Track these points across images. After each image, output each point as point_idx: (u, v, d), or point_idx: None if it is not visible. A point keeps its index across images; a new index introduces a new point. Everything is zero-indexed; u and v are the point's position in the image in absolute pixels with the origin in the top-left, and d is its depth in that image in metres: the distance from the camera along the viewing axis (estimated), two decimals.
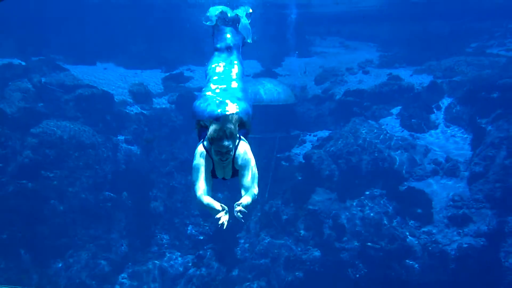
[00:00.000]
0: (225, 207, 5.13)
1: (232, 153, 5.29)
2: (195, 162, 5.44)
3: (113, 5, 19.26)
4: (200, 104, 5.94)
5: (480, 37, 20.62)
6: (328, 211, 13.51)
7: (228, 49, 7.03)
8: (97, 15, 18.87)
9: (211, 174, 5.53)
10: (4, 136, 13.68)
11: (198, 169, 5.39)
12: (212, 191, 5.44)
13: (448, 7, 20.16)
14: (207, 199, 5.28)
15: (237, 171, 5.55)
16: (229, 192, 13.97)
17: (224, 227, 5.04)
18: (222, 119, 5.40)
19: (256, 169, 5.56)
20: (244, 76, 6.61)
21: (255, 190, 5.46)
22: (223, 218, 5.04)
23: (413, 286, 12.54)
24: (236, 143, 5.39)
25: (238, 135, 5.41)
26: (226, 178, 5.68)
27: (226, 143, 5.19)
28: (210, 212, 5.26)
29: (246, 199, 5.27)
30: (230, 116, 5.48)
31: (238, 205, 5.09)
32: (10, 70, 15.37)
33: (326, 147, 14.60)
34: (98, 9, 19.03)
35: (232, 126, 5.28)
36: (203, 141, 5.50)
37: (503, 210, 12.80)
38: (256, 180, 5.51)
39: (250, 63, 19.82)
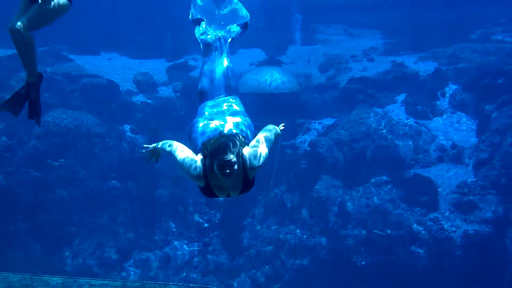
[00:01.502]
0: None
1: (235, 166, 4.52)
2: (190, 168, 4.74)
3: None
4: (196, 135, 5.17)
5: (485, 24, 20.55)
6: (334, 198, 13.53)
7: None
8: (101, 5, 18.85)
9: (208, 193, 4.84)
10: (11, 126, 13.75)
11: (187, 173, 4.76)
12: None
13: None
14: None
15: (249, 184, 4.85)
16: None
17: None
18: (221, 135, 4.74)
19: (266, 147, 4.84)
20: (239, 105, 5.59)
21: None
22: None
23: (418, 273, 12.58)
24: (240, 153, 4.63)
25: (241, 148, 4.66)
26: (232, 195, 4.95)
27: (228, 157, 4.48)
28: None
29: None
30: (229, 134, 4.81)
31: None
32: (15, 61, 15.36)
33: (331, 134, 14.61)
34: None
35: (233, 142, 4.59)
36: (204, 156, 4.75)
37: (509, 196, 12.80)
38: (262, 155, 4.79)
39: (254, 52, 19.81)
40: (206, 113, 5.37)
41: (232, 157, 4.48)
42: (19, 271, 9.18)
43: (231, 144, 4.52)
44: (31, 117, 5.38)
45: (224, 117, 5.18)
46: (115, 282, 8.73)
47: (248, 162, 4.68)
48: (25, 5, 5.00)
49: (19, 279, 8.19)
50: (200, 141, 4.91)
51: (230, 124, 5.09)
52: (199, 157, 4.74)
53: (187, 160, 4.76)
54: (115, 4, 19.31)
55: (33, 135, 13.78)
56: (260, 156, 4.75)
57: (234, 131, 4.94)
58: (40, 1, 4.86)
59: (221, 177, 4.53)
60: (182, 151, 4.85)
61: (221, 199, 5.24)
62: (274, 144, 5.01)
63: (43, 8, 4.88)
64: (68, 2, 5.11)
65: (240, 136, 4.78)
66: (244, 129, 5.10)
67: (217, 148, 4.51)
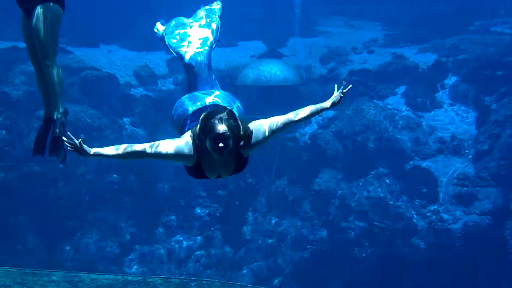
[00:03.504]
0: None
1: (230, 142, 4.12)
2: (179, 145, 4.30)
3: None
4: (177, 108, 4.89)
5: (484, 15, 20.49)
6: (334, 191, 13.57)
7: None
8: None
9: (197, 174, 4.46)
10: (10, 120, 13.73)
11: (175, 153, 4.28)
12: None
13: None
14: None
15: (242, 163, 4.48)
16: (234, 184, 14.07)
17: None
18: (213, 109, 4.26)
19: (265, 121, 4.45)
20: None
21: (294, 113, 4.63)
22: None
23: (419, 265, 12.64)
24: (236, 129, 4.18)
25: (237, 122, 4.21)
26: (222, 176, 4.57)
27: (223, 129, 4.08)
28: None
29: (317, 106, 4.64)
30: (222, 107, 4.38)
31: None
32: (14, 54, 15.34)
33: (332, 127, 14.62)
34: None
35: (228, 114, 4.17)
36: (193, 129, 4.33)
37: (508, 188, 12.85)
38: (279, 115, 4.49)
39: (254, 44, 19.76)
40: (194, 95, 4.96)
41: (226, 130, 4.08)
42: (19, 266, 9.20)
43: (225, 116, 4.12)
44: (50, 154, 5.31)
45: (213, 94, 4.88)
46: (116, 276, 8.73)
47: (244, 138, 4.28)
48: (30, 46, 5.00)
49: (20, 273, 8.20)
50: (188, 120, 4.62)
51: (221, 99, 4.80)
52: (186, 137, 4.35)
53: (171, 147, 4.28)
54: None
55: (33, 129, 13.75)
56: (260, 134, 4.37)
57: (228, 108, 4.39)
58: (33, 24, 4.84)
59: (214, 153, 4.14)
60: (158, 145, 4.28)
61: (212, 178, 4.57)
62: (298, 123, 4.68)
63: (39, 29, 4.85)
64: (60, 8, 5.09)
65: (235, 110, 4.47)
66: (239, 106, 4.87)
67: (210, 120, 4.10)
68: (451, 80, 15.96)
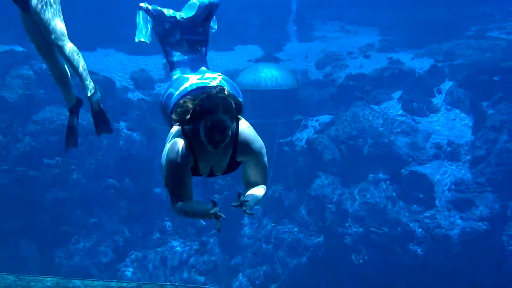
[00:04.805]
0: (215, 201, 3.58)
1: (228, 132, 3.58)
2: (169, 154, 3.74)
3: None
4: (167, 92, 4.37)
5: (480, 21, 20.51)
6: (331, 196, 13.53)
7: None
8: (98, 0, 18.75)
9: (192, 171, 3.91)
10: (5, 123, 13.68)
11: (176, 166, 3.74)
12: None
13: None
14: (194, 203, 3.78)
15: (236, 165, 3.97)
16: (232, 178, 13.99)
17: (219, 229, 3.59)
18: (209, 90, 3.69)
19: (266, 157, 3.96)
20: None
21: (263, 188, 3.95)
22: (219, 215, 3.51)
23: (416, 271, 12.60)
24: (234, 124, 3.70)
25: (235, 112, 3.67)
26: (215, 174, 4.03)
27: (222, 117, 3.51)
28: (199, 217, 3.81)
29: (253, 196, 3.83)
30: (219, 87, 3.75)
31: (243, 201, 3.57)
32: (11, 57, 15.29)
33: (328, 131, 14.60)
34: None
35: (227, 95, 3.63)
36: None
37: (506, 193, 12.83)
38: (266, 175, 3.99)
39: (251, 48, 19.75)
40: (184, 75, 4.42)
41: (226, 118, 3.52)
42: (13, 271, 9.13)
43: (226, 101, 3.56)
44: (67, 146, 5.23)
45: (208, 75, 4.26)
46: (111, 282, 8.66)
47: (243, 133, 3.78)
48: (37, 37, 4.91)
49: (14, 279, 8.12)
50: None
51: (218, 80, 4.16)
52: (174, 128, 3.85)
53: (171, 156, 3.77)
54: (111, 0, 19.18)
55: (28, 133, 13.70)
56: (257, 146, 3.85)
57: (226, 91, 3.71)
58: (33, 9, 4.76)
59: (208, 145, 3.61)
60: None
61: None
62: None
63: (39, 12, 4.78)
64: None
65: (235, 98, 3.78)
66: (238, 91, 4.26)
67: (207, 104, 3.53)
68: (447, 85, 15.96)
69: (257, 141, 3.87)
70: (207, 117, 3.51)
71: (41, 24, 4.75)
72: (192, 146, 3.75)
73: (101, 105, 4.75)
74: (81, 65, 4.68)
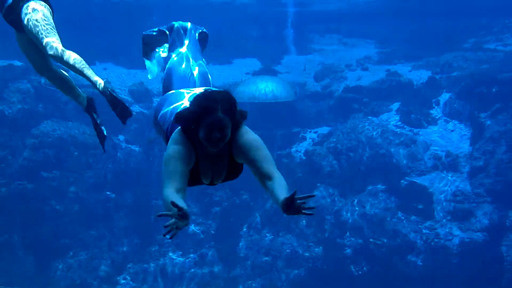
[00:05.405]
0: (187, 210, 3.28)
1: (228, 132, 3.60)
2: (169, 151, 3.69)
3: (112, 5, 19.25)
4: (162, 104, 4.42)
5: (478, 33, 20.62)
6: (330, 208, 13.52)
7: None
8: (96, 15, 18.85)
9: (193, 178, 3.80)
10: (4, 137, 13.70)
11: (173, 162, 3.65)
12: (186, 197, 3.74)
13: (445, 3, 20.15)
14: (174, 197, 3.47)
15: (235, 169, 3.89)
16: (231, 190, 14.01)
17: (170, 237, 3.23)
18: (207, 91, 3.72)
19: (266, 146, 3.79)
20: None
21: (281, 176, 3.65)
22: (173, 224, 3.23)
23: (415, 282, 12.56)
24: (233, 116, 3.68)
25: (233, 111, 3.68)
26: (215, 182, 3.97)
27: (221, 115, 3.53)
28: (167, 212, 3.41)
29: (285, 188, 3.53)
30: (220, 90, 3.80)
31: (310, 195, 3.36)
32: (9, 72, 15.34)
33: (327, 143, 14.61)
34: (98, 9, 19.03)
35: (226, 95, 3.66)
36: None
37: (504, 204, 12.86)
38: (274, 163, 3.73)
39: (249, 61, 19.83)
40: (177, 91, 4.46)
41: (224, 116, 3.53)
42: (11, 284, 9.10)
43: (224, 100, 3.59)
44: (102, 145, 5.42)
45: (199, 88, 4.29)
46: None
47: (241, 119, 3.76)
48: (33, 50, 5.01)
49: None
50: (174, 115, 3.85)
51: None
52: (175, 138, 3.77)
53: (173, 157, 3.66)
54: (110, 14, 19.30)
55: (27, 147, 13.73)
56: (255, 144, 3.73)
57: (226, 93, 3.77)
58: (25, 23, 4.83)
59: (208, 145, 3.59)
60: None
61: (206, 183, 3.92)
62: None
63: (31, 25, 4.84)
64: (48, 5, 5.06)
65: (234, 99, 3.74)
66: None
67: (205, 102, 3.55)
68: (445, 96, 16.00)
69: (251, 133, 3.80)
70: (206, 116, 3.52)
71: (37, 41, 4.82)
72: (195, 146, 3.72)
73: (113, 93, 4.77)
74: (84, 67, 4.75)
